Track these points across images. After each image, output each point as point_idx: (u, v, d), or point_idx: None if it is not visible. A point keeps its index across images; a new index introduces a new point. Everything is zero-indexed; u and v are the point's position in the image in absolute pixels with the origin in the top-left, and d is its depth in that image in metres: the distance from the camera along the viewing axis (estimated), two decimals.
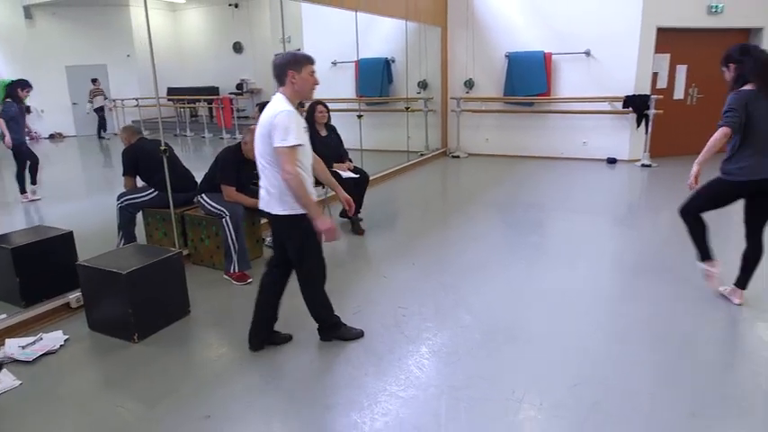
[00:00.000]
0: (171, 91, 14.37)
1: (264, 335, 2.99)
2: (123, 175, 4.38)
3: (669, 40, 8.15)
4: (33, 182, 6.76)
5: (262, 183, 2.70)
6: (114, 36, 13.79)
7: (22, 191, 6.65)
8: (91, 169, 10.23)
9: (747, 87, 3.03)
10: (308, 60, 2.65)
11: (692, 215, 3.39)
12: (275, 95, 2.64)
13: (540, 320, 3.24)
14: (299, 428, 2.31)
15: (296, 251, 2.77)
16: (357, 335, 3.06)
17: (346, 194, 3.22)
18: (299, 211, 2.62)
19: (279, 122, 2.49)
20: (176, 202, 4.23)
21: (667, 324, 3.18)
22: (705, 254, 3.42)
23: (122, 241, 4.25)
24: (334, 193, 5.18)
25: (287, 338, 3.06)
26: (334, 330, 3.04)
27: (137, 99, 12.65)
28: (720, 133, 3.04)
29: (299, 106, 6.60)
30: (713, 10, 8.04)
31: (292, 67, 2.59)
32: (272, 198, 2.67)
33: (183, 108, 13.93)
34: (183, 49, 15.14)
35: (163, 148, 4.09)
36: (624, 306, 3.44)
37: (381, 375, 2.68)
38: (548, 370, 2.69)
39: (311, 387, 2.62)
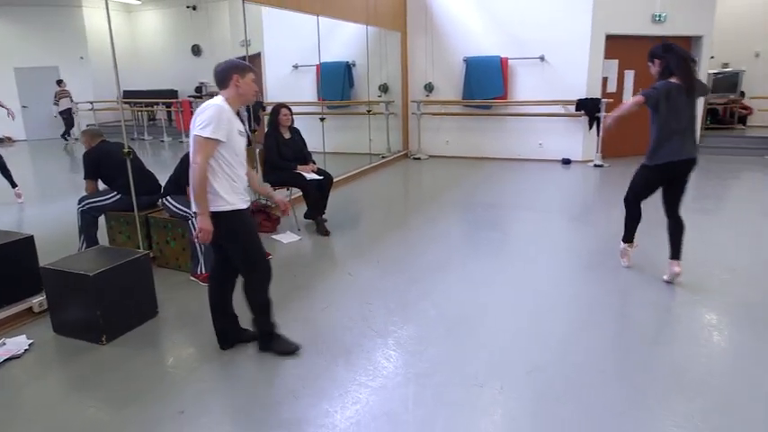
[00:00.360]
0: (127, 94, 14.05)
1: (232, 335, 3.03)
2: (84, 178, 4.33)
3: (617, 46, 8.56)
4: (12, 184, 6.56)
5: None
6: (67, 38, 13.40)
7: None
8: (48, 174, 9.94)
9: (672, 80, 3.40)
10: (251, 69, 2.76)
11: (634, 203, 3.82)
12: (216, 96, 2.70)
13: (499, 311, 3.41)
14: (270, 419, 2.39)
15: (233, 250, 2.80)
16: (292, 347, 2.93)
17: (281, 197, 3.34)
18: (222, 207, 2.65)
19: (205, 113, 2.57)
20: (140, 204, 4.22)
21: (616, 311, 3.41)
22: (630, 237, 3.99)
23: (84, 245, 4.21)
24: (300, 194, 5.29)
25: (255, 336, 3.11)
26: (266, 342, 2.95)
27: (91, 102, 12.35)
28: (635, 99, 3.48)
29: (261, 109, 6.65)
30: (657, 18, 8.50)
31: (237, 71, 2.69)
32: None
33: (141, 111, 13.67)
34: (140, 52, 14.83)
35: (126, 150, 4.08)
36: (577, 296, 3.65)
37: (350, 367, 2.78)
38: (507, 357, 2.85)
39: (282, 380, 2.69)
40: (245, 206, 2.78)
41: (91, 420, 2.42)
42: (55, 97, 12.61)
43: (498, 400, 2.47)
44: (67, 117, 12.68)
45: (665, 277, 3.76)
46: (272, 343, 2.94)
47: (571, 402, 2.44)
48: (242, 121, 2.86)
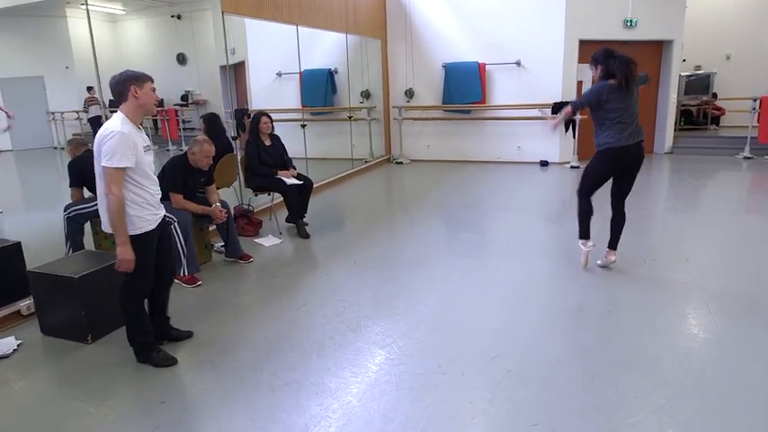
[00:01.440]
0: (112, 103, 14.12)
1: (160, 331, 3.14)
2: (70, 186, 4.47)
3: (591, 51, 8.76)
4: None
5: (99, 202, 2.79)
6: (51, 47, 13.45)
7: None
8: (35, 183, 10.04)
9: (610, 81, 3.73)
10: (149, 78, 2.76)
11: (586, 196, 4.10)
12: (114, 114, 2.70)
13: (468, 307, 3.60)
14: (247, 409, 2.56)
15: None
16: (167, 362, 2.95)
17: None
18: (137, 231, 2.74)
19: (107, 143, 2.58)
20: None
21: (578, 303, 3.62)
22: (585, 233, 4.17)
23: (70, 251, 4.35)
24: (281, 199, 5.47)
25: (187, 335, 3.26)
26: (142, 354, 2.97)
27: (77, 111, 12.43)
28: (565, 110, 3.97)
29: (245, 116, 6.82)
30: (628, 24, 8.79)
31: (134, 82, 2.68)
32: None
33: None
34: (125, 61, 14.92)
35: None
36: (544, 292, 3.86)
37: (323, 359, 2.96)
38: (471, 347, 3.05)
39: (258, 373, 2.86)
40: (150, 227, 2.82)
41: (77, 412, 2.58)
42: (84, 104, 12.51)
43: (458, 387, 2.66)
44: (97, 124, 12.59)
45: (599, 262, 4.17)
46: (149, 356, 2.96)
47: (527, 387, 2.64)
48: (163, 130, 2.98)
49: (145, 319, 2.99)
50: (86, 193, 4.52)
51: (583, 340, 3.11)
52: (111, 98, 2.85)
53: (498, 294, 3.79)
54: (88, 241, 4.54)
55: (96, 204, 4.34)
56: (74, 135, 10.46)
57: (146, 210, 2.81)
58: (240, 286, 4.16)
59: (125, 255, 2.69)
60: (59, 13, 13.42)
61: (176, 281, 4.16)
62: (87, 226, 4.50)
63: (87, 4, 4.39)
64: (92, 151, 4.57)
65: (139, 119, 2.80)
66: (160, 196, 2.97)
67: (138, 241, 2.79)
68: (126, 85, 2.69)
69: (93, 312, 3.25)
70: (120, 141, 2.59)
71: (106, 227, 2.80)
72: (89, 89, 12.93)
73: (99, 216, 4.36)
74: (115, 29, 15.23)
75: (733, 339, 3.06)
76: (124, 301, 2.92)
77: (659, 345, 3.02)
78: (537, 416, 2.41)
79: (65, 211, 4.37)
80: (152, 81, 2.79)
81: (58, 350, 3.21)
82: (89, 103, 12.81)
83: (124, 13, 14.44)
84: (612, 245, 4.12)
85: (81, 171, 4.44)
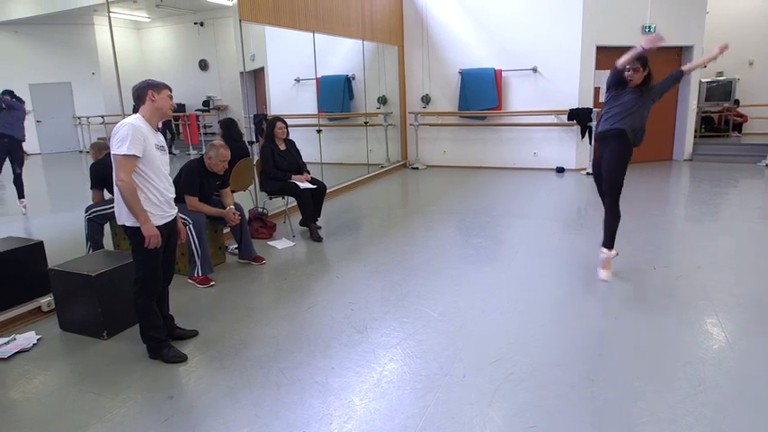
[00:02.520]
0: (135, 109, 14.47)
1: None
2: (91, 188, 4.64)
3: (609, 57, 8.78)
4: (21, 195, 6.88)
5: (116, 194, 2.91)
6: (79, 54, 13.88)
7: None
8: (60, 185, 10.35)
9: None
10: (166, 86, 2.97)
11: (601, 197, 4.25)
12: (131, 116, 2.91)
13: (473, 310, 3.64)
14: (252, 405, 2.63)
15: (134, 260, 3.03)
16: (177, 359, 3.06)
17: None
18: (135, 223, 2.87)
19: (119, 133, 2.77)
20: None
21: (585, 308, 3.62)
22: (612, 242, 4.15)
23: (91, 251, 4.51)
24: (295, 203, 5.57)
25: (192, 334, 3.36)
26: (154, 351, 3.09)
27: (102, 116, 12.78)
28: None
29: (264, 120, 6.93)
30: (647, 30, 8.73)
31: (152, 88, 2.91)
32: (120, 209, 2.91)
33: None
34: (149, 67, 15.29)
35: None
36: (552, 298, 3.87)
37: (328, 359, 3.03)
38: (474, 350, 3.08)
39: (265, 371, 2.94)
40: (159, 222, 2.94)
41: (90, 404, 2.69)
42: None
43: (459, 388, 2.70)
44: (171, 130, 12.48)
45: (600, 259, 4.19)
46: (161, 353, 3.08)
47: (527, 390, 2.67)
48: (167, 134, 3.12)
49: (156, 315, 3.10)
50: (107, 195, 4.67)
51: (587, 345, 3.12)
52: (134, 104, 3.01)
53: (505, 299, 3.82)
54: (108, 241, 4.69)
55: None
56: (98, 139, 10.73)
57: (154, 206, 2.94)
58: (252, 287, 4.25)
59: (150, 231, 2.85)
60: (87, 21, 13.84)
61: (190, 281, 4.28)
62: (107, 227, 4.65)
63: (110, 12, 4.55)
64: None
65: (156, 121, 2.98)
66: (173, 197, 3.09)
67: (140, 233, 2.90)
68: (145, 91, 2.92)
69: (110, 309, 3.37)
70: (130, 131, 2.77)
71: (120, 219, 2.93)
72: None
73: None
74: (140, 36, 15.64)
75: (739, 349, 3.04)
76: (136, 297, 3.03)
77: (663, 351, 3.02)
78: (535, 418, 2.44)
79: (86, 212, 4.52)
80: (170, 90, 2.99)
81: (76, 345, 3.34)
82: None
83: (149, 20, 14.83)
84: (605, 243, 4.16)
85: (102, 173, 4.60)
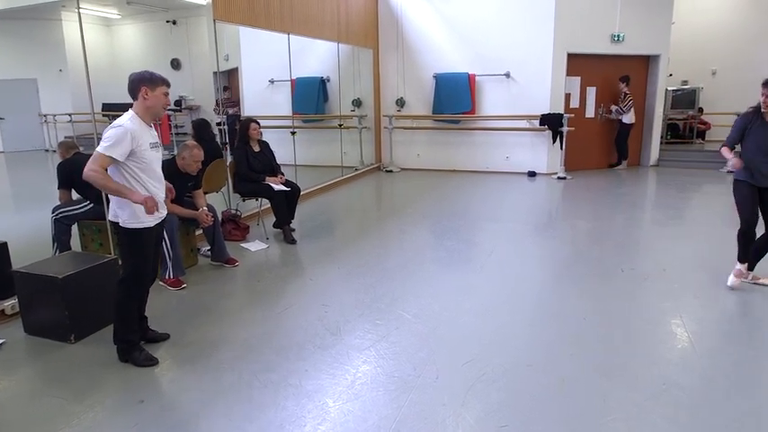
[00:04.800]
0: (106, 107, 14.17)
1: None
2: (58, 188, 4.53)
3: (580, 64, 8.99)
4: None
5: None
6: (45, 50, 13.47)
7: None
8: (24, 184, 10.04)
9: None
10: (164, 82, 2.84)
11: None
12: (127, 111, 2.84)
13: (446, 312, 3.67)
14: (224, 409, 2.61)
15: (122, 259, 3.02)
16: (148, 362, 2.99)
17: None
18: (124, 223, 2.86)
19: (109, 131, 2.71)
20: None
21: (554, 310, 3.70)
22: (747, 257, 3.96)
23: (57, 253, 4.39)
24: (268, 205, 5.53)
25: (164, 337, 3.31)
26: (125, 353, 3.02)
27: (70, 115, 12.47)
28: None
29: (238, 121, 6.88)
30: (616, 38, 8.96)
31: (146, 83, 2.78)
32: (112, 207, 2.90)
33: None
34: (119, 65, 14.95)
35: None
36: (522, 298, 3.94)
37: (302, 361, 3.02)
38: (447, 351, 3.12)
39: (238, 372, 2.92)
40: (152, 223, 2.92)
41: (57, 410, 2.62)
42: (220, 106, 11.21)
43: (432, 389, 2.73)
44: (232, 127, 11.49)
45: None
46: (131, 355, 3.01)
47: (500, 390, 2.71)
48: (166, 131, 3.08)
49: (134, 318, 3.06)
50: (75, 196, 4.57)
51: (558, 346, 3.19)
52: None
53: (478, 301, 3.87)
54: (76, 243, 4.58)
55: (84, 206, 4.43)
56: (65, 138, 10.47)
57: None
58: (224, 290, 4.21)
59: (139, 198, 2.75)
60: (55, 17, 13.46)
61: (161, 283, 4.21)
62: (75, 227, 4.54)
63: (79, 8, 4.45)
64: (81, 154, 4.66)
65: (149, 118, 2.89)
66: (164, 197, 3.05)
67: (134, 235, 2.88)
68: (138, 85, 2.79)
69: (77, 312, 3.29)
70: (120, 135, 2.70)
71: (111, 216, 2.90)
72: (225, 89, 11.52)
73: (87, 218, 4.44)
74: (110, 33, 15.28)
75: (701, 348, 3.15)
76: (120, 297, 2.98)
77: (630, 351, 3.11)
78: (507, 418, 2.48)
79: (53, 212, 4.41)
80: (167, 85, 2.87)
81: (41, 349, 3.25)
82: (227, 105, 11.29)
83: (119, 17, 14.51)
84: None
85: (70, 173, 4.49)
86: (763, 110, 3.64)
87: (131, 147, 2.76)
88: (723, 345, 3.23)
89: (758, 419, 2.46)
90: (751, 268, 4.00)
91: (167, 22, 14.80)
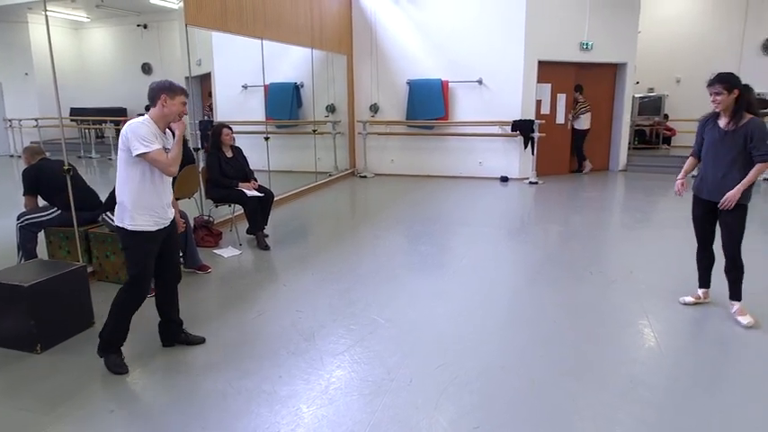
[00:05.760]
0: (74, 111, 13.86)
1: (170, 334, 3.25)
2: (24, 194, 4.42)
3: (550, 71, 9.17)
4: None
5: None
6: (11, 53, 13.14)
7: None
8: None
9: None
10: (183, 92, 2.92)
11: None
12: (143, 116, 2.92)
13: (420, 316, 3.70)
14: (197, 416, 2.58)
15: (126, 263, 3.05)
16: (116, 368, 2.97)
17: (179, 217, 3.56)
18: (123, 224, 2.89)
19: (136, 131, 2.77)
20: (81, 220, 4.34)
21: (525, 313, 3.76)
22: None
23: (22, 260, 4.29)
24: (242, 211, 5.49)
25: (199, 340, 3.31)
26: (103, 350, 3.02)
27: (36, 119, 12.17)
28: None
29: (211, 127, 6.81)
30: (585, 47, 9.17)
31: (166, 92, 2.86)
32: (120, 212, 2.92)
33: (89, 129, 13.52)
34: (88, 69, 14.69)
35: (66, 167, 4.21)
36: (494, 302, 3.99)
37: (276, 367, 3.01)
38: (421, 355, 3.14)
39: (211, 379, 2.89)
40: (153, 228, 2.93)
41: (23, 422, 2.56)
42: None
43: (406, 393, 2.75)
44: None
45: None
46: (108, 358, 3.01)
47: (472, 393, 2.74)
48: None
49: (128, 321, 3.05)
50: (41, 202, 4.46)
51: (527, 348, 3.24)
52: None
53: (450, 305, 3.91)
54: (42, 250, 4.47)
55: (51, 213, 4.34)
56: (31, 143, 10.23)
57: (146, 209, 2.90)
58: (197, 296, 4.16)
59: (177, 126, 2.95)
60: (21, 19, 13.14)
61: None
62: (41, 235, 4.44)
63: (46, 11, 4.37)
64: (48, 160, 4.56)
65: (163, 125, 2.94)
66: (171, 199, 3.09)
67: (131, 237, 2.89)
68: (158, 93, 2.87)
69: (44, 322, 3.22)
70: (145, 130, 2.80)
71: (118, 221, 2.95)
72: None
73: (54, 225, 4.35)
74: (78, 36, 14.98)
75: (667, 347, 3.24)
76: (119, 299, 3.00)
77: (598, 352, 3.18)
78: (479, 420, 2.52)
79: (18, 219, 4.31)
80: (186, 95, 2.95)
81: (6, 360, 3.16)
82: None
83: (88, 20, 14.24)
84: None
85: (36, 179, 4.40)
86: (715, 109, 3.41)
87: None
88: (688, 344, 3.33)
89: (722, 416, 2.54)
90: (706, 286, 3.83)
91: (138, 26, 14.59)
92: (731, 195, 3.33)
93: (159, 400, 2.73)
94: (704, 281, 3.82)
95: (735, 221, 3.41)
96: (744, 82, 3.31)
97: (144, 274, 2.97)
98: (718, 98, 3.29)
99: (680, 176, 3.80)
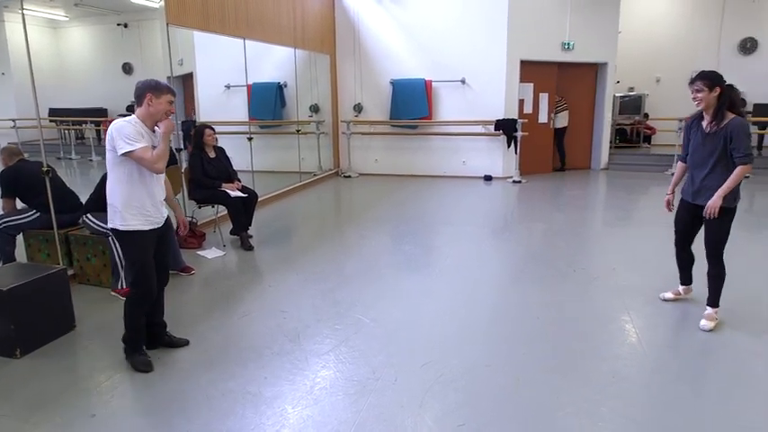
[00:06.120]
0: (53, 112, 13.66)
1: (154, 336, 3.22)
2: (1, 197, 4.34)
3: (532, 71, 9.25)
4: None
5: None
6: None
7: None
8: None
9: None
10: (170, 90, 2.90)
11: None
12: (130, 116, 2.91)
13: (405, 315, 3.71)
14: (181, 419, 2.56)
15: (125, 265, 3.04)
16: (143, 368, 2.99)
17: (183, 217, 3.54)
18: (115, 225, 2.87)
19: (121, 134, 2.75)
20: (61, 222, 4.27)
21: (510, 312, 3.79)
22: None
23: (1, 263, 4.21)
24: (225, 212, 5.46)
25: (183, 343, 3.29)
26: (127, 353, 3.07)
27: (13, 120, 11.96)
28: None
29: (194, 127, 6.76)
30: (566, 47, 9.27)
31: (152, 91, 2.84)
32: (111, 214, 2.90)
33: (68, 130, 13.32)
34: (67, 69, 14.47)
35: (45, 169, 4.14)
36: (478, 301, 4.02)
37: (260, 369, 3.00)
38: (406, 354, 3.15)
39: (195, 382, 2.87)
40: (145, 227, 2.90)
41: (2, 428, 2.51)
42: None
43: (390, 392, 2.75)
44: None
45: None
46: (132, 356, 3.05)
47: (457, 391, 2.76)
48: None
49: (142, 318, 3.06)
50: (19, 204, 4.39)
51: (511, 346, 3.27)
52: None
53: (435, 304, 3.92)
54: (21, 253, 4.40)
55: (30, 216, 4.27)
56: (8, 144, 10.02)
57: (136, 209, 2.87)
58: (180, 298, 4.12)
59: (164, 126, 2.89)
60: None
61: (113, 294, 4.10)
62: (20, 238, 4.37)
63: (23, 9, 4.30)
64: (26, 161, 4.49)
65: (150, 124, 2.91)
66: (164, 197, 3.06)
67: (127, 237, 2.88)
68: (144, 92, 2.84)
69: (24, 326, 3.16)
70: (129, 129, 2.77)
71: (111, 222, 2.91)
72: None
73: (33, 228, 4.28)
74: (57, 35, 14.73)
75: (648, 343, 3.29)
76: (129, 305, 3.00)
77: (581, 348, 3.22)
78: (464, 417, 2.53)
79: None
80: (173, 94, 2.92)
81: None
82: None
83: (67, 19, 14.01)
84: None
85: (14, 181, 4.32)
86: (697, 107, 3.33)
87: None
88: (668, 340, 3.39)
89: (701, 410, 2.59)
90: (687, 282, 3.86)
91: (118, 25, 14.39)
92: (712, 203, 3.26)
93: (143, 404, 2.70)
94: (685, 278, 3.86)
95: (718, 226, 3.34)
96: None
97: (144, 273, 2.95)
98: (700, 95, 3.24)
99: (668, 191, 3.76)
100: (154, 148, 2.88)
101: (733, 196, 3.30)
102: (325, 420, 2.51)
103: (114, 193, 2.86)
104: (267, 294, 4.15)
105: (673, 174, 3.64)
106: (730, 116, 3.23)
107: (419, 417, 2.54)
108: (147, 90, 2.84)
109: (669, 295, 3.89)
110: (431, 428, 2.45)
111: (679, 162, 3.68)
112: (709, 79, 3.22)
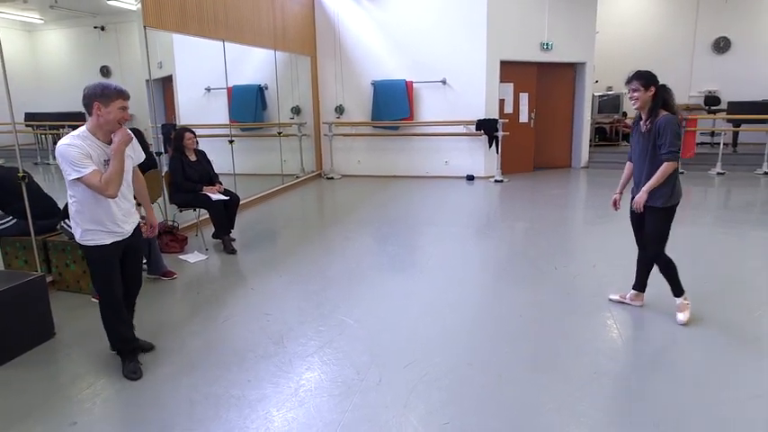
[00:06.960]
0: (29, 116, 13.42)
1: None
2: None
3: (512, 71, 9.33)
4: None
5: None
6: None
7: None
8: None
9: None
10: (120, 95, 2.63)
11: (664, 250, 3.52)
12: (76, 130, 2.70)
13: (389, 316, 3.73)
14: (164, 425, 2.54)
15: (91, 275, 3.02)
16: (131, 376, 2.94)
17: (154, 218, 3.30)
18: (77, 239, 2.81)
19: (64, 155, 2.56)
20: (38, 229, 4.21)
21: (492, 310, 3.83)
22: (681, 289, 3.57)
23: None
24: (207, 215, 5.42)
25: (148, 347, 3.26)
26: (122, 359, 3.02)
27: None
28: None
29: (174, 130, 6.69)
30: (545, 47, 9.37)
31: (99, 99, 2.58)
32: (73, 227, 2.82)
33: (45, 134, 13.09)
34: (43, 72, 14.23)
35: (21, 174, 4.08)
36: (461, 301, 4.04)
37: (244, 372, 2.99)
38: (390, 354, 3.17)
39: (177, 386, 2.85)
40: (107, 241, 2.79)
41: None
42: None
43: (375, 392, 2.77)
44: None
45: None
46: (123, 363, 3.03)
47: (441, 390, 2.78)
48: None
49: (126, 327, 3.04)
50: None
51: (494, 344, 3.30)
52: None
53: (419, 304, 3.94)
54: None
55: (6, 222, 4.21)
56: None
57: (97, 224, 2.77)
58: (162, 303, 4.09)
59: (117, 135, 2.68)
60: None
61: (93, 300, 4.04)
62: None
63: None
64: (1, 167, 4.42)
65: (103, 135, 2.69)
66: (132, 206, 2.97)
67: (89, 252, 2.84)
68: (90, 101, 2.61)
69: (2, 334, 3.12)
70: (73, 154, 2.56)
71: (76, 236, 2.84)
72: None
73: (10, 234, 4.21)
74: (32, 38, 14.48)
75: (628, 338, 3.35)
76: (101, 308, 2.98)
77: (563, 344, 3.26)
78: (449, 416, 2.55)
79: None
80: (124, 98, 2.66)
81: None
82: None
83: (42, 22, 13.78)
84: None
85: None
86: (633, 106, 3.34)
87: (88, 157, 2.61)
88: (648, 335, 3.44)
89: (680, 403, 2.64)
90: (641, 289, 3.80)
91: (95, 27, 14.19)
92: (638, 198, 3.36)
93: (124, 411, 2.68)
94: (638, 283, 3.77)
95: (653, 224, 3.41)
96: (661, 82, 3.27)
97: (107, 284, 2.90)
98: (636, 95, 3.27)
99: (617, 190, 3.73)
100: (106, 162, 2.66)
101: (667, 195, 3.32)
102: (310, 422, 2.51)
103: (72, 209, 2.76)
104: (250, 297, 4.14)
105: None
106: (663, 114, 3.26)
107: (404, 416, 2.55)
108: (94, 99, 2.59)
109: (615, 297, 3.88)
110: (416, 428, 2.47)
111: (627, 162, 3.69)
112: (645, 79, 3.25)
